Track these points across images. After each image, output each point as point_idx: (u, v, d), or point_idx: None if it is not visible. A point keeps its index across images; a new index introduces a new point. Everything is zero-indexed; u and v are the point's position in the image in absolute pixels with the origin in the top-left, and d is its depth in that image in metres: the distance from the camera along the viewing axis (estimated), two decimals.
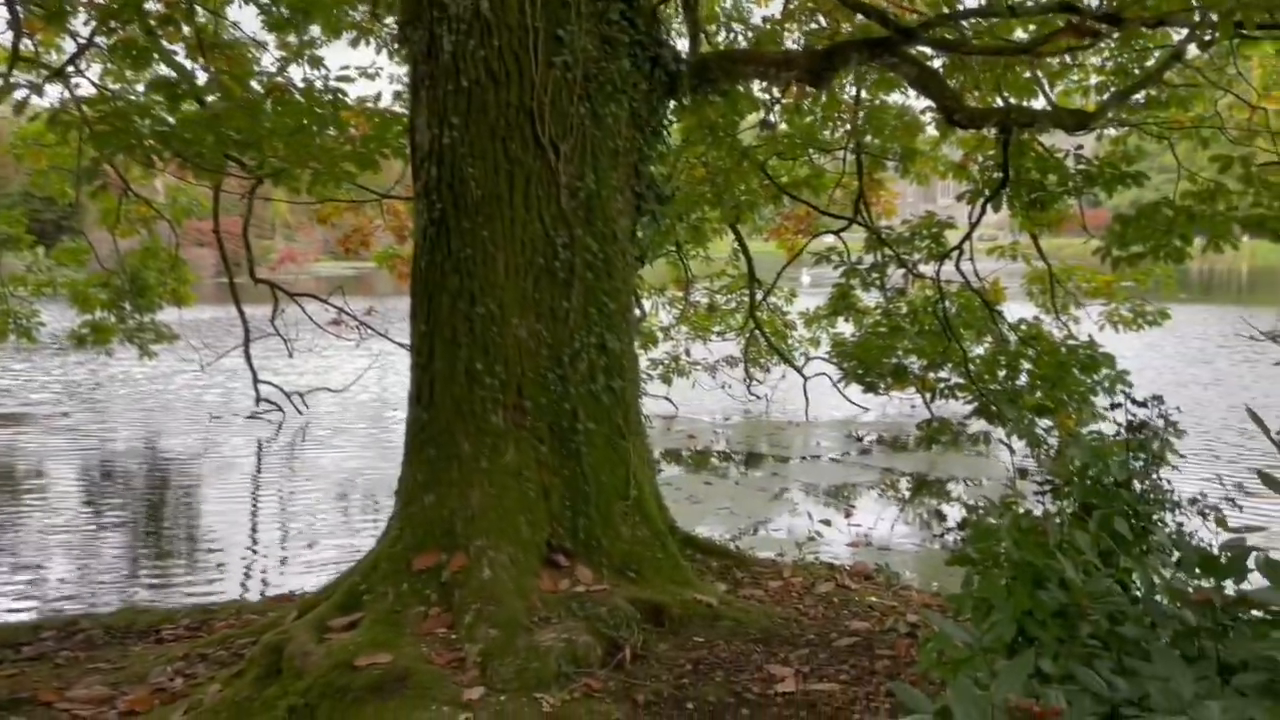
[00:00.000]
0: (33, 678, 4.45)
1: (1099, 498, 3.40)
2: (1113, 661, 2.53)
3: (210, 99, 6.60)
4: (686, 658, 3.90)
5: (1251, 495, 3.45)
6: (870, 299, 9.88)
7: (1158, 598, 2.72)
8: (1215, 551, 2.47)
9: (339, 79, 6.30)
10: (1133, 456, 3.41)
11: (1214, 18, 4.83)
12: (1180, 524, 3.35)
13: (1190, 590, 2.49)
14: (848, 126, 9.04)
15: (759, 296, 11.07)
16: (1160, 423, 3.56)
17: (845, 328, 10.82)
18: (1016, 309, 9.13)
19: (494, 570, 4.06)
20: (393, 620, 3.99)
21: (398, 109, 7.97)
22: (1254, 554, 2.34)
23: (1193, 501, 3.43)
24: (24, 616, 6.16)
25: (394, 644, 3.82)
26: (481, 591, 3.98)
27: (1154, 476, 3.54)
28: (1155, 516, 3.37)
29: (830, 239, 10.47)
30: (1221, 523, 3.17)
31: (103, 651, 4.95)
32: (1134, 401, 3.49)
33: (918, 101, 10.38)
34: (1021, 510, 3.16)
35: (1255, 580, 2.27)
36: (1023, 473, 6.21)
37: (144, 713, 3.99)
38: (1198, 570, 2.49)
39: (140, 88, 7.79)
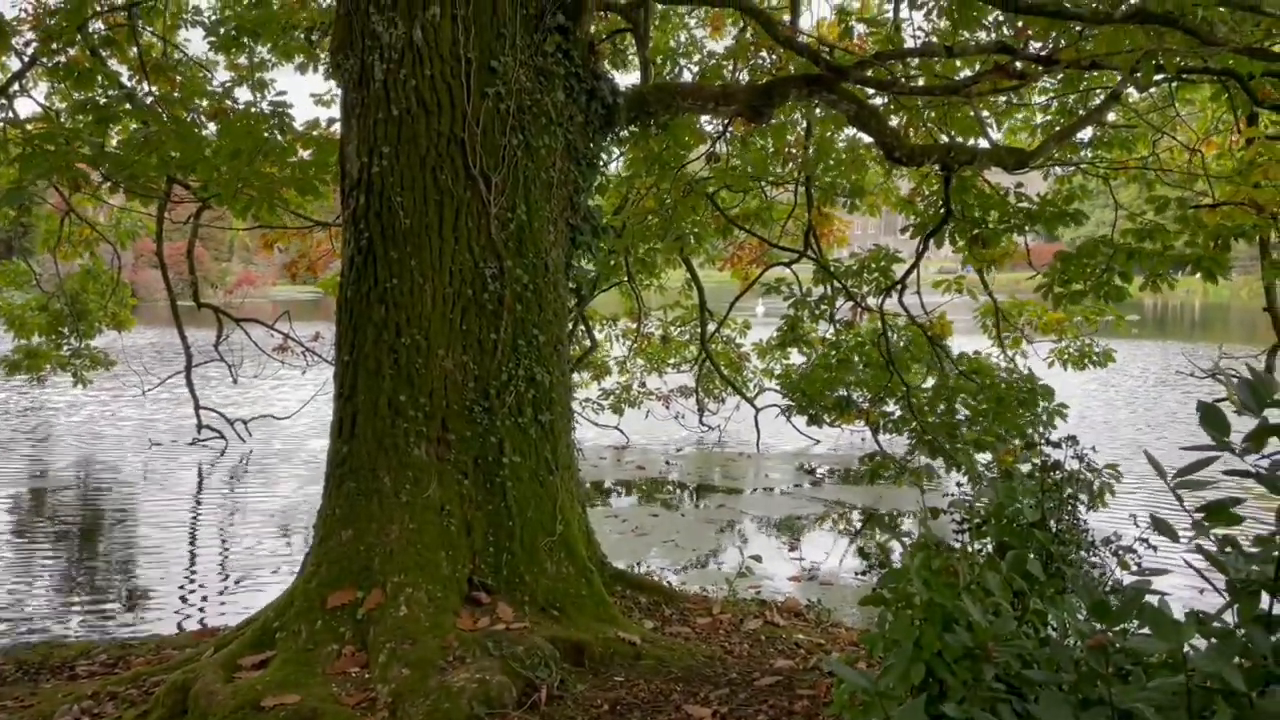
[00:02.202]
0: None
1: (1014, 537, 3.43)
2: (1020, 705, 2.53)
3: (150, 120, 6.53)
4: (604, 698, 3.85)
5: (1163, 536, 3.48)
6: (823, 330, 9.94)
7: (1069, 640, 2.73)
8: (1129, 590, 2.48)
9: (275, 104, 6.23)
10: (1047, 496, 3.44)
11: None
12: (1093, 564, 3.38)
13: (1098, 633, 2.50)
14: (798, 160, 9.14)
15: (711, 328, 11.10)
16: (1075, 463, 3.60)
17: (799, 359, 10.88)
18: (971, 343, 9.22)
19: (411, 608, 4.00)
20: (304, 659, 3.91)
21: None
22: (1150, 598, 2.35)
23: (1106, 542, 3.46)
24: None
25: (304, 684, 3.75)
26: (396, 629, 3.92)
27: (1071, 516, 3.58)
28: (1070, 557, 3.40)
29: (782, 271, 10.53)
30: (1124, 565, 3.19)
31: (11, 689, 4.80)
32: (1049, 442, 3.52)
33: (865, 137, 10.54)
34: (935, 549, 3.17)
35: None
36: (934, 512, 6.24)
37: None
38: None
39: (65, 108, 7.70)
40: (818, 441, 12.75)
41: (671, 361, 13.05)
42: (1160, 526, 2.37)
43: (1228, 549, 2.14)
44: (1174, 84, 7.48)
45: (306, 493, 10.36)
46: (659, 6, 8.09)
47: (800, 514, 9.81)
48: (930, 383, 8.56)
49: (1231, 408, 2.11)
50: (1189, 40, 4.43)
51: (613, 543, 7.85)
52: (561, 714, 3.71)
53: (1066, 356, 10.12)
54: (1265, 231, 6.56)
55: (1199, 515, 2.13)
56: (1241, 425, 2.05)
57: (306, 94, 8.48)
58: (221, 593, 7.50)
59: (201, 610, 7.10)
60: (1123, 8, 4.63)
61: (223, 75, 9.03)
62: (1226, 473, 2.06)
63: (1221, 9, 4.41)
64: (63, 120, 6.92)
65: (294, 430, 13.43)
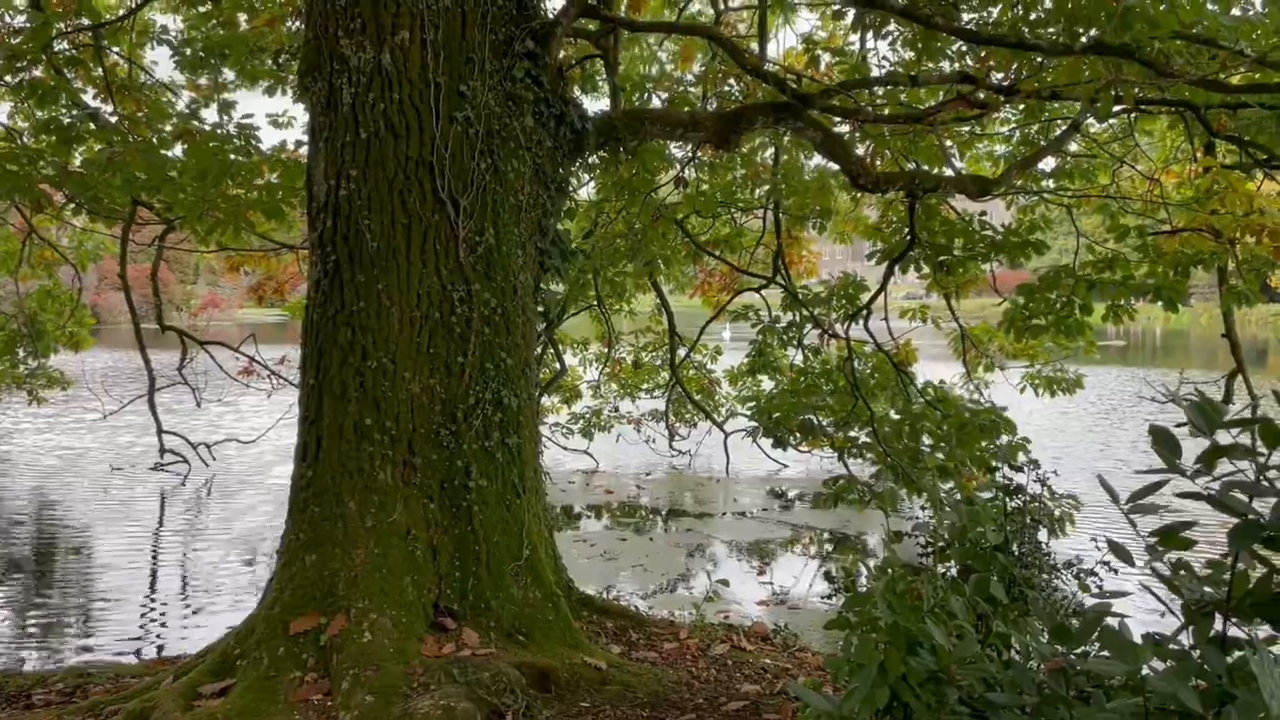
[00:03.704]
0: None
1: (977, 560, 3.46)
2: None
3: (115, 141, 6.49)
4: None
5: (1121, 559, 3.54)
6: (793, 355, 9.99)
7: (1030, 664, 2.75)
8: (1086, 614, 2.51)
9: (242, 126, 6.23)
10: (1010, 520, 3.48)
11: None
12: (1055, 587, 3.42)
13: (1058, 655, 2.52)
14: (766, 187, 9.22)
15: (681, 353, 11.14)
16: (1038, 486, 3.64)
17: (769, 385, 10.92)
18: (944, 367, 9.30)
19: (375, 634, 3.96)
20: (266, 686, 3.86)
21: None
22: (1109, 621, 2.38)
23: (1068, 565, 3.50)
24: None
25: (265, 712, 3.70)
26: (360, 656, 3.87)
27: (1033, 540, 3.62)
28: (1033, 580, 3.44)
29: (752, 297, 10.60)
30: (1085, 588, 3.23)
31: None
32: (1011, 466, 3.57)
33: (832, 164, 10.67)
34: (900, 573, 3.19)
35: None
36: (898, 535, 6.28)
37: None
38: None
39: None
40: (786, 466, 12.78)
41: (645, 386, 13.05)
42: (1116, 551, 2.41)
43: (1181, 572, 2.18)
44: (1133, 115, 7.66)
45: (270, 517, 10.23)
46: (627, 34, 8.18)
47: (769, 538, 9.82)
48: (895, 408, 8.63)
49: (1187, 431, 2.15)
50: (1146, 72, 4.54)
51: (581, 567, 7.81)
52: None
53: (1037, 381, 10.26)
54: (1223, 259, 6.70)
55: (1152, 539, 2.17)
56: (1198, 447, 2.09)
57: (264, 116, 8.42)
58: (182, 619, 7.38)
59: (160, 638, 6.98)
60: (1082, 40, 4.74)
61: (187, 97, 9.01)
62: (1180, 495, 2.10)
63: (1178, 42, 4.54)
64: (26, 140, 6.86)
65: (258, 455, 13.28)
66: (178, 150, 6.91)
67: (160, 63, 12.45)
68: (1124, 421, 17.29)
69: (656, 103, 8.14)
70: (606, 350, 12.68)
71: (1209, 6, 4.44)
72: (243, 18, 8.54)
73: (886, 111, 6.63)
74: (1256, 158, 6.84)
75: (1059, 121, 7.72)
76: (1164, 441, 2.08)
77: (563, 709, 3.95)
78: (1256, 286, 7.02)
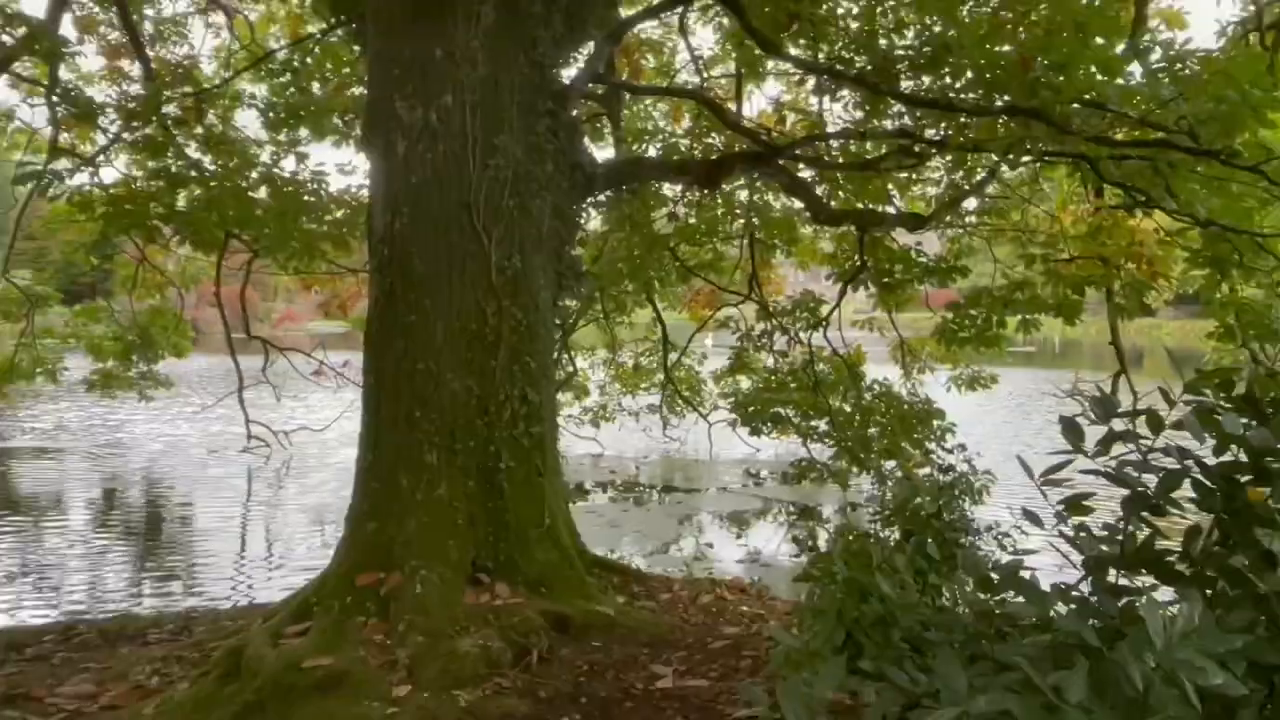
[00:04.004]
0: (30, 676, 4.23)
1: (916, 525, 3.46)
2: (920, 661, 2.55)
3: (211, 186, 6.50)
4: (584, 660, 3.82)
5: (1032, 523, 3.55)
6: (767, 359, 9.97)
7: (959, 609, 2.75)
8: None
9: (316, 173, 6.23)
10: (942, 493, 3.48)
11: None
12: (978, 547, 3.42)
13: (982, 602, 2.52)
14: (742, 221, 9.21)
15: (672, 357, 11.14)
16: (966, 466, 3.65)
17: (747, 383, 10.89)
18: (885, 369, 9.30)
19: (425, 587, 3.95)
20: (337, 629, 3.85)
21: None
22: (1021, 573, 2.38)
23: (989, 529, 3.50)
24: (36, 621, 5.81)
25: (336, 649, 3.69)
26: (413, 605, 3.87)
27: (962, 509, 3.62)
28: (961, 541, 3.43)
29: (732, 310, 10.58)
30: (1002, 547, 3.23)
31: (94, 653, 4.70)
32: (944, 449, 3.57)
33: (797, 202, 10.66)
34: (854, 536, 3.19)
35: None
36: (853, 506, 6.27)
37: (122, 707, 3.79)
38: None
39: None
40: (759, 450, 12.75)
41: (643, 385, 13.00)
42: (1029, 516, 2.41)
43: (1082, 533, 2.19)
44: (1038, 164, 7.65)
45: (337, 492, 10.21)
46: (628, 96, 8.18)
47: (745, 509, 9.82)
48: (849, 402, 8.61)
49: (1086, 420, 2.16)
50: (1050, 130, 4.55)
51: (591, 533, 7.75)
52: (549, 673, 3.69)
53: (960, 381, 10.23)
54: (1110, 281, 6.71)
55: (1060, 507, 2.18)
56: (1096, 433, 2.10)
57: (333, 165, 8.43)
58: (267, 574, 7.37)
59: (250, 589, 6.97)
60: (998, 103, 4.75)
61: (270, 150, 8.98)
62: (1083, 472, 2.11)
63: (1075, 105, 4.53)
64: (140, 185, 6.86)
65: (327, 441, 13.25)
66: (262, 193, 6.92)
67: (249, 123, 12.47)
68: (1030, 415, 17.29)
69: (653, 152, 8.13)
70: (611, 355, 12.65)
71: (1100, 77, 4.45)
72: (315, 85, 8.54)
73: (841, 160, 6.63)
74: (1137, 199, 6.83)
75: (980, 169, 7.72)
76: (1070, 429, 2.09)
77: (578, 648, 3.95)
78: (1136, 304, 7.00)
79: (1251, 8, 6.84)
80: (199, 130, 7.99)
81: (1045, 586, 2.16)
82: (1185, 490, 1.97)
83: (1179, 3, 7.40)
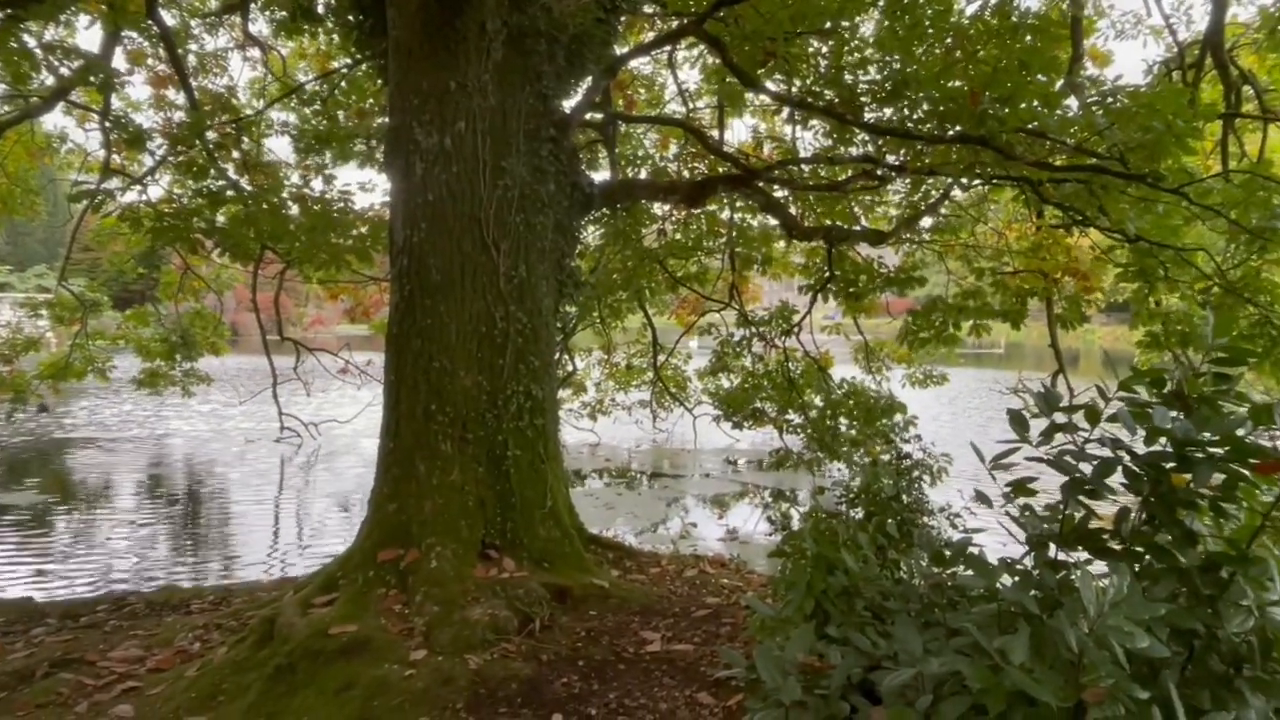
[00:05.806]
0: (84, 642, 4.22)
1: (878, 507, 3.46)
2: (881, 627, 2.55)
3: (248, 204, 6.44)
4: (582, 627, 3.81)
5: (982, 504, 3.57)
6: (746, 360, 9.95)
7: (915, 581, 2.75)
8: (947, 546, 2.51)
9: (343, 192, 6.19)
10: (901, 477, 3.49)
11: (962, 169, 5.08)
12: (932, 526, 3.42)
13: (935, 575, 2.52)
14: (724, 237, 9.21)
15: (660, 358, 11.13)
16: (921, 454, 3.65)
17: (728, 381, 10.87)
18: (852, 369, 9.32)
19: (439, 562, 3.93)
20: (360, 600, 3.83)
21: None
22: (970, 549, 2.39)
23: (942, 510, 3.51)
24: (88, 593, 5.78)
25: (360, 617, 3.68)
26: (429, 578, 3.85)
27: (918, 492, 3.62)
28: (917, 521, 3.44)
29: (713, 317, 10.57)
30: (954, 526, 3.23)
31: (143, 621, 4.69)
32: (903, 440, 3.57)
33: (773, 220, 10.66)
34: (822, 516, 3.19)
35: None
36: (821, 489, 6.27)
37: (166, 670, 3.78)
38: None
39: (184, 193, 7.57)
40: (739, 440, 12.75)
41: (634, 382, 12.98)
42: (980, 497, 2.42)
43: (1026, 513, 2.19)
44: (987, 186, 7.69)
45: (361, 477, 10.17)
46: (622, 125, 8.16)
47: (726, 492, 9.83)
48: (819, 398, 8.61)
49: (1029, 414, 2.17)
50: (997, 156, 4.56)
51: (588, 514, 7.74)
52: (550, 639, 3.68)
53: (915, 379, 10.25)
54: (1049, 291, 6.74)
55: (1007, 489, 2.18)
56: (1038, 425, 2.11)
57: (356, 184, 8.42)
58: (299, 550, 7.33)
59: (283, 563, 6.94)
60: (950, 132, 4.76)
61: (300, 172, 8.92)
62: (1028, 459, 2.12)
63: (1019, 134, 4.55)
64: (184, 203, 6.80)
65: (352, 431, 13.20)
66: (294, 210, 6.86)
67: (280, 148, 12.40)
68: (983, 409, 17.35)
69: (644, 174, 8.12)
70: (606, 355, 12.63)
71: (1041, 109, 4.46)
72: (340, 114, 8.49)
73: (811, 182, 6.63)
74: (1074, 218, 6.86)
75: (934, 191, 7.75)
76: (1017, 420, 2.09)
77: (576, 616, 3.94)
78: (1076, 314, 7.03)
79: (1174, 49, 6.89)
80: (236, 154, 7.96)
81: (992, 561, 2.16)
82: (1118, 476, 1.97)
83: (1110, 45, 7.47)
